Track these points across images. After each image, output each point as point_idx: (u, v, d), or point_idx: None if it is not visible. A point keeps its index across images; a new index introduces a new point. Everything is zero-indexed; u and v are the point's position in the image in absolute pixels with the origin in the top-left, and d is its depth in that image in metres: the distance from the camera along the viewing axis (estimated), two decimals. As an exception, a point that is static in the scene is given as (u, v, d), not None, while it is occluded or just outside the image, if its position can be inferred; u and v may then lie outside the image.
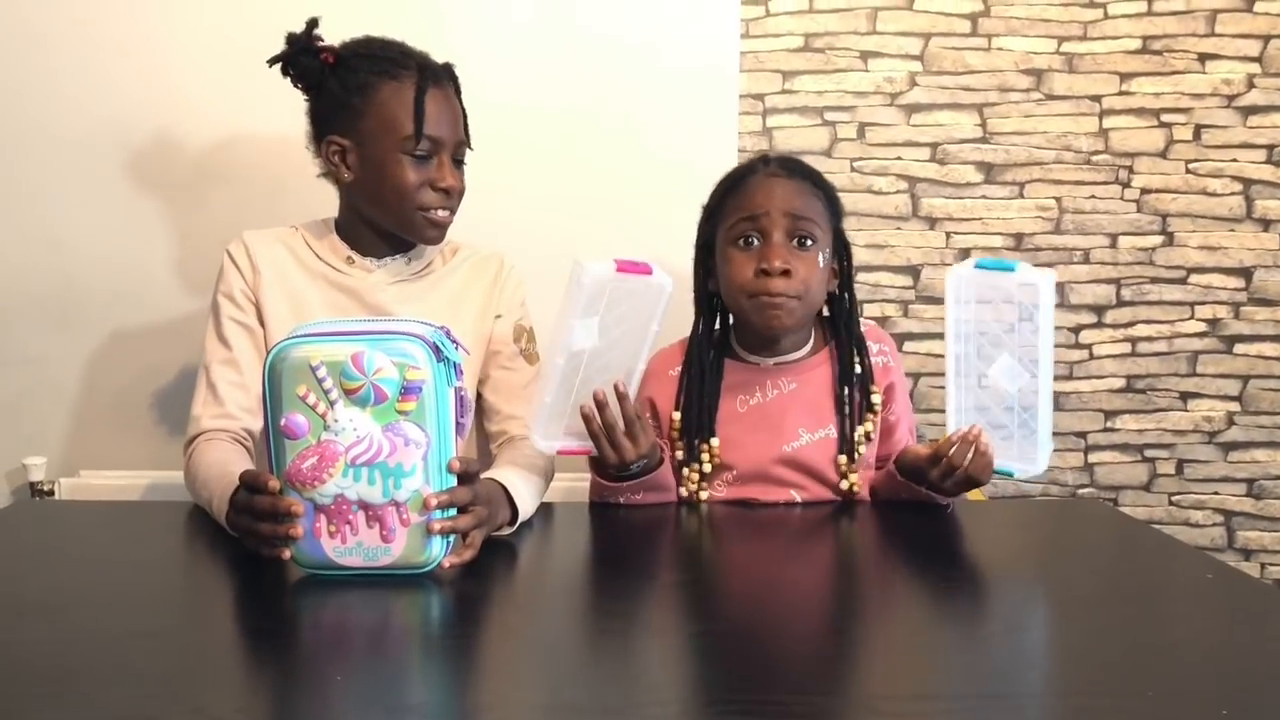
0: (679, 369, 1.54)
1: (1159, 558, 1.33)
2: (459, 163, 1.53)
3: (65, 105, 1.99)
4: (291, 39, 1.51)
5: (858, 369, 1.52)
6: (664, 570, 1.25)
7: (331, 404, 1.08)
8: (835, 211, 1.52)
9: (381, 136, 1.46)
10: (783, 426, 1.50)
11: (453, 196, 1.51)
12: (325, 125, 1.51)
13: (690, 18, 2.02)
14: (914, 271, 2.14)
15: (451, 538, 1.13)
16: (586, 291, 1.25)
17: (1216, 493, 2.21)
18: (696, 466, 1.49)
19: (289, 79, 1.54)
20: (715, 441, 1.49)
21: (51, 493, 2.00)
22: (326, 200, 2.00)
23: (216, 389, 1.49)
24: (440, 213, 1.50)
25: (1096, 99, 2.11)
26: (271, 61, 1.53)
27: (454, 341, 1.13)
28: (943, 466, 1.36)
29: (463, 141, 1.53)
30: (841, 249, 1.54)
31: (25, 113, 1.99)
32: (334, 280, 1.54)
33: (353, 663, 0.95)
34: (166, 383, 2.05)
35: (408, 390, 1.09)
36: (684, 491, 1.50)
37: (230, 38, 1.98)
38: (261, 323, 1.52)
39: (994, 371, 1.32)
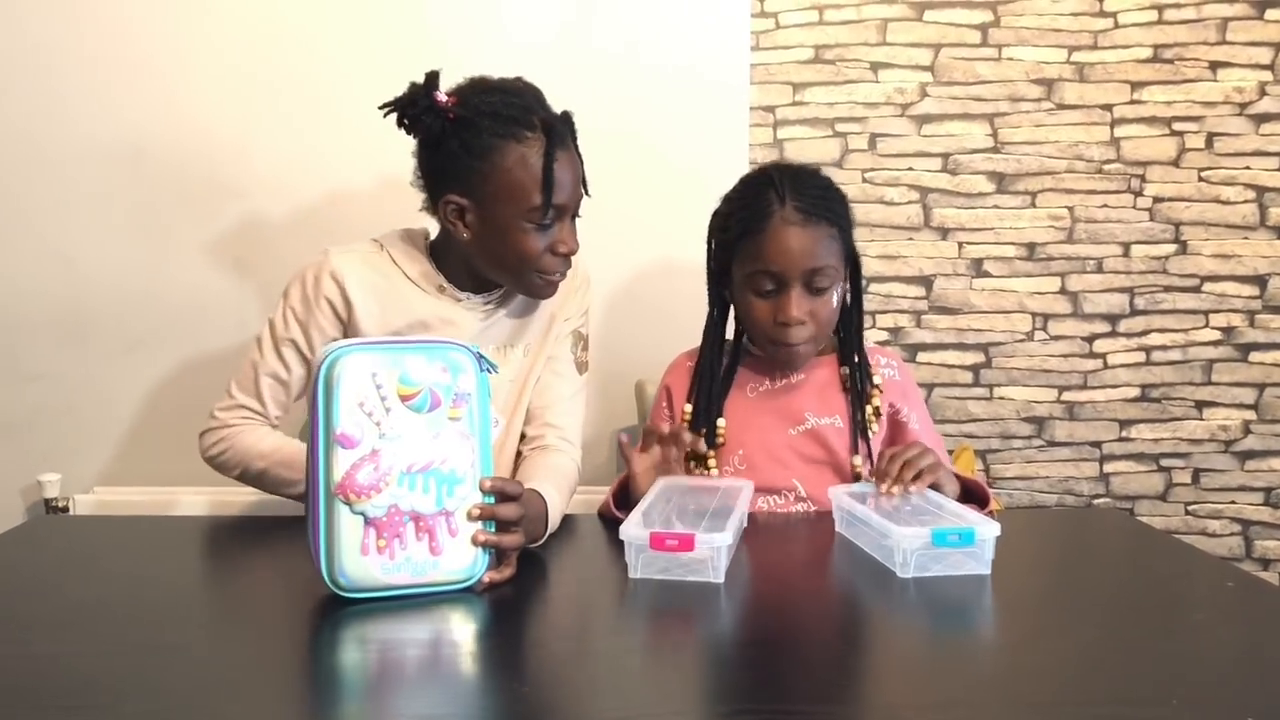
0: (695, 363, 1.62)
1: (1179, 566, 1.32)
2: (575, 216, 1.48)
3: (76, 124, 2.00)
4: (412, 94, 1.41)
5: (867, 374, 1.57)
6: (681, 579, 1.24)
7: (387, 411, 1.07)
8: (848, 233, 1.52)
9: (505, 203, 1.40)
10: (790, 411, 1.55)
11: (571, 257, 1.48)
12: (442, 181, 1.44)
13: (701, 31, 2.03)
14: (926, 282, 2.14)
15: (490, 553, 1.13)
16: None
17: (1234, 502, 2.19)
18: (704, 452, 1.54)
19: (401, 128, 1.44)
20: (721, 422, 1.55)
21: (66, 509, 2.00)
22: (338, 214, 2.01)
23: (262, 395, 1.48)
24: (557, 275, 1.47)
25: (1108, 108, 2.10)
26: (385, 110, 1.43)
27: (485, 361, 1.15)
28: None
29: (582, 197, 1.47)
30: (851, 258, 1.55)
31: (36, 132, 2.00)
32: (427, 308, 1.50)
33: (373, 676, 0.95)
34: (180, 398, 2.05)
35: (458, 398, 1.10)
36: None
37: (240, 53, 2.00)
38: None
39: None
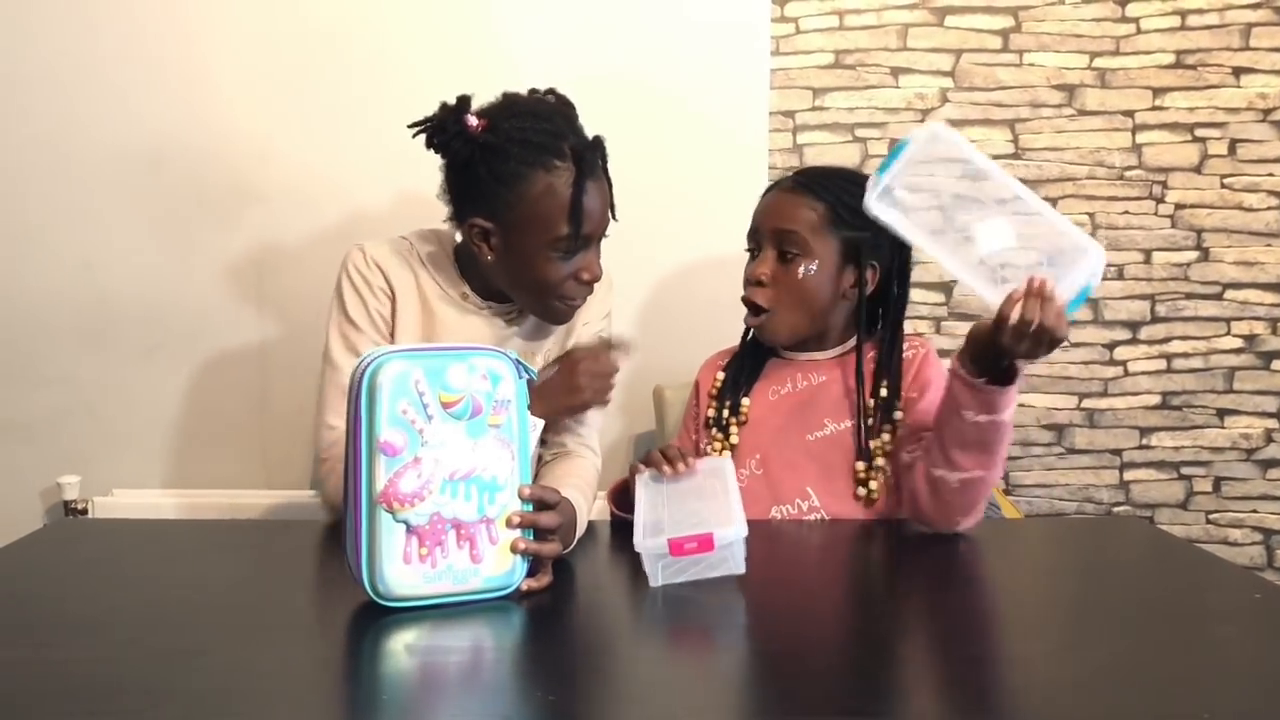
0: (727, 361, 1.65)
1: (1202, 576, 1.31)
2: (600, 241, 1.47)
3: (96, 130, 2.01)
4: (442, 117, 1.40)
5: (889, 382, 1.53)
6: (704, 589, 1.24)
7: (429, 419, 1.07)
8: (847, 221, 1.51)
9: (531, 231, 1.39)
10: (809, 416, 1.55)
11: (594, 284, 1.47)
12: (468, 204, 1.43)
13: (720, 35, 2.02)
14: (946, 288, 2.13)
15: (527, 560, 1.13)
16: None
17: (1255, 510, 2.18)
18: (721, 445, 1.56)
19: (430, 149, 1.43)
20: (745, 403, 1.57)
21: (85, 511, 2.01)
22: (360, 218, 2.02)
23: None
24: (580, 300, 1.47)
25: (1129, 114, 2.09)
26: (414, 130, 1.42)
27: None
28: (1015, 327, 1.24)
29: (609, 222, 1.47)
30: (882, 254, 1.54)
31: (58, 139, 2.01)
32: (453, 311, 1.50)
33: (409, 686, 0.95)
34: (199, 402, 2.06)
35: (498, 404, 1.10)
36: None
37: (260, 59, 2.00)
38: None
39: (987, 247, 1.27)
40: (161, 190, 2.02)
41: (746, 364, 1.61)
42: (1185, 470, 2.17)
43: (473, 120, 1.39)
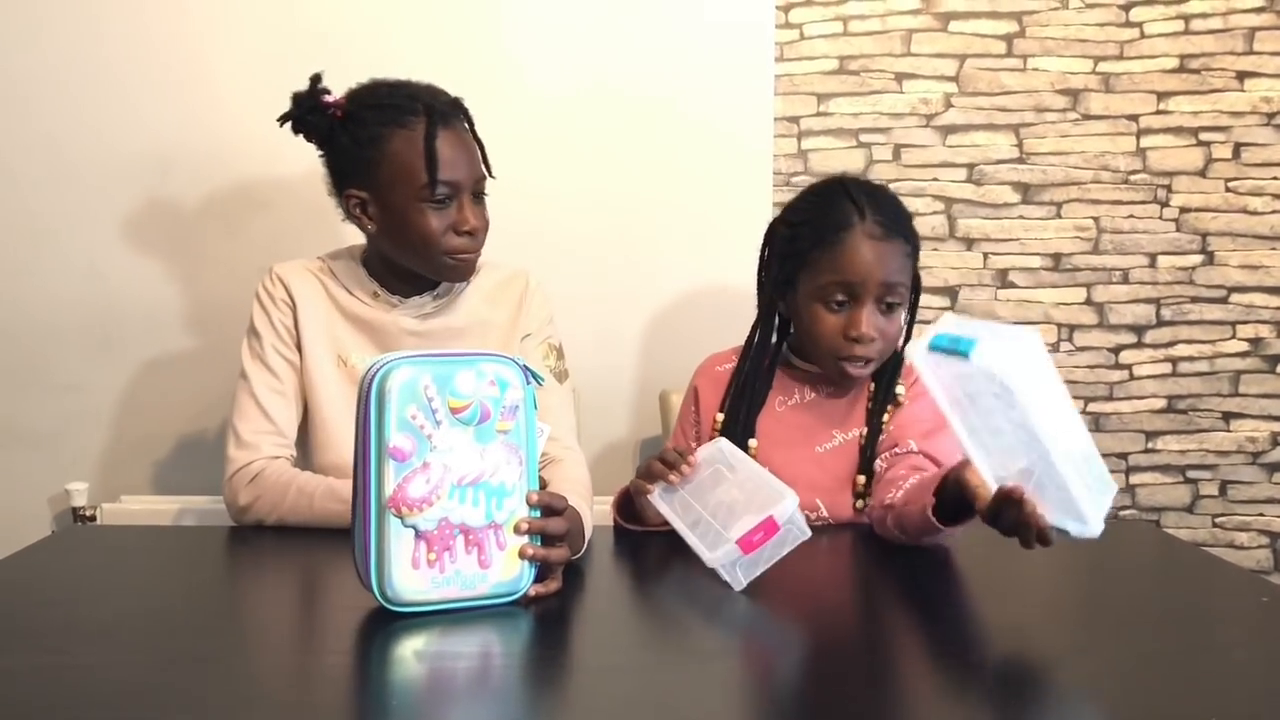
0: (728, 367, 1.60)
1: (1209, 580, 1.31)
2: (479, 196, 1.52)
3: (103, 137, 2.01)
4: (297, 98, 1.51)
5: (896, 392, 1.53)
6: (710, 593, 1.24)
7: (438, 424, 1.07)
8: (917, 254, 1.51)
9: (398, 186, 1.47)
10: (817, 428, 1.54)
11: (477, 236, 1.51)
12: (342, 178, 1.53)
13: (725, 41, 2.03)
14: (952, 293, 2.13)
15: (535, 566, 1.13)
16: None
17: (1261, 514, 2.17)
18: None
19: (300, 136, 1.54)
20: (753, 443, 1.53)
21: (93, 518, 2.01)
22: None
23: (269, 412, 1.51)
24: (467, 255, 1.52)
25: (1134, 118, 2.09)
26: (281, 121, 1.53)
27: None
28: (1004, 514, 1.11)
29: (481, 177, 1.52)
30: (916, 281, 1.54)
31: (65, 146, 2.02)
32: (359, 313, 1.55)
33: (421, 691, 0.95)
34: (206, 408, 2.06)
35: (506, 410, 1.10)
36: None
37: (267, 65, 2.00)
38: (301, 355, 1.55)
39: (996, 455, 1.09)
40: (169, 196, 2.03)
41: (757, 389, 1.55)
42: (1191, 474, 2.17)
43: (329, 98, 1.50)
